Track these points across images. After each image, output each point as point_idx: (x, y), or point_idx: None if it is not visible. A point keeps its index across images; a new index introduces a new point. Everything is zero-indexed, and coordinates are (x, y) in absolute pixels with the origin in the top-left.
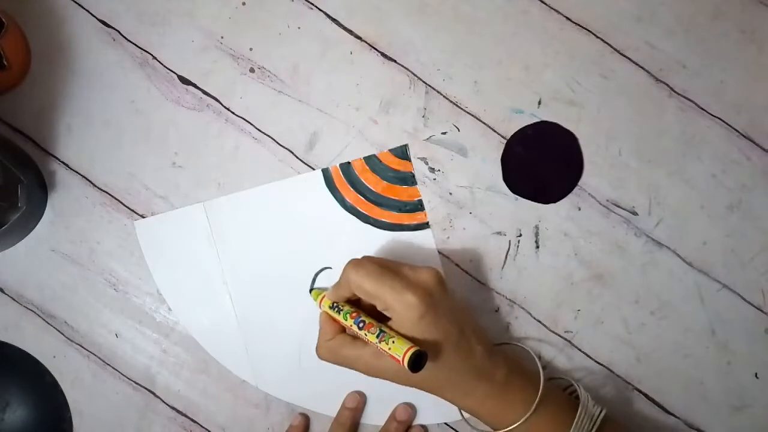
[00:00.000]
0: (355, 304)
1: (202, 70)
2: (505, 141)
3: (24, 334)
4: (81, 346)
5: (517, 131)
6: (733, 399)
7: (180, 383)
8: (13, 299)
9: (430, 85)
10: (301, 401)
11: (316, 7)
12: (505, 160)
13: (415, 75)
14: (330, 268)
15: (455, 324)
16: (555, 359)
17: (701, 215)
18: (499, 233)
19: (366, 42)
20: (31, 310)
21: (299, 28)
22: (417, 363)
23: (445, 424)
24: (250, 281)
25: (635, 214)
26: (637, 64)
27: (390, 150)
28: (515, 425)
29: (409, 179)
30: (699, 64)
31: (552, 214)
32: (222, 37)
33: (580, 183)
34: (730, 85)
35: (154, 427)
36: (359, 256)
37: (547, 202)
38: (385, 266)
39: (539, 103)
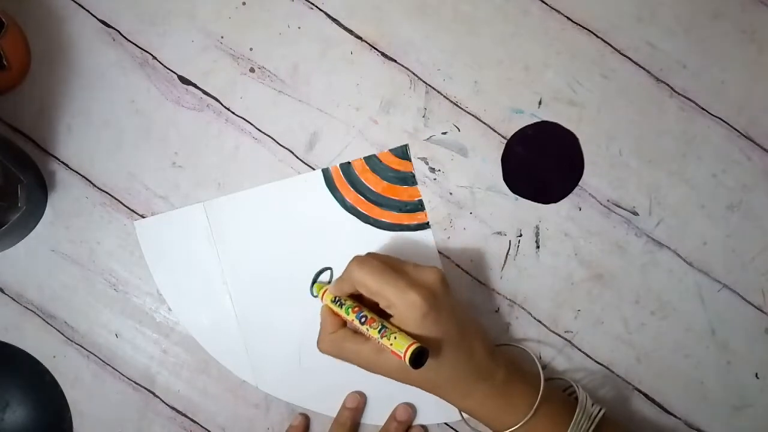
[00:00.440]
0: (357, 299)
1: (202, 70)
2: (505, 141)
3: (24, 334)
4: (81, 346)
5: (518, 131)
6: (733, 399)
7: (180, 383)
8: (13, 299)
9: (430, 85)
10: (301, 401)
11: (317, 7)
12: (505, 160)
13: (416, 75)
14: (330, 268)
15: (457, 324)
16: (555, 359)
17: (702, 215)
18: (499, 233)
19: (366, 42)
20: (31, 310)
21: (299, 28)
22: (418, 359)
23: (445, 424)
24: (250, 281)
25: (636, 214)
26: (637, 64)
27: (390, 150)
28: (515, 427)
29: (409, 179)
30: (699, 64)
31: (552, 214)
32: (222, 37)
33: (580, 183)
34: (731, 85)
35: (154, 427)
36: (359, 255)
37: (547, 202)
38: (389, 264)
39: (540, 103)
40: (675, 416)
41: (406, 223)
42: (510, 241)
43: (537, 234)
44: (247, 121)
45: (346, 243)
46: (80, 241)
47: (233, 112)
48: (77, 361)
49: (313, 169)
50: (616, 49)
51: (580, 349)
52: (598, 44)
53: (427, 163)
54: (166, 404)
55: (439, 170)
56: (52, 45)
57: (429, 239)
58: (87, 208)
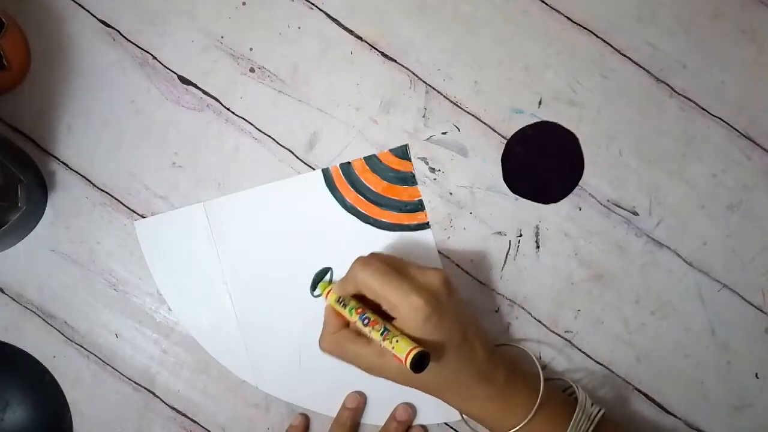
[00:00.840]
0: (361, 300)
1: (202, 70)
2: (505, 141)
3: (24, 334)
4: (81, 346)
5: (518, 131)
6: (733, 399)
7: (180, 383)
8: (13, 299)
9: (430, 85)
10: (301, 401)
11: (317, 7)
12: (505, 160)
13: (416, 75)
14: (330, 268)
15: (459, 327)
16: (555, 359)
17: (702, 215)
18: (499, 233)
19: (366, 42)
20: (31, 310)
21: (299, 28)
22: (420, 364)
23: (445, 424)
24: (250, 281)
25: (636, 214)
26: (637, 64)
27: (390, 150)
28: (515, 429)
29: (409, 179)
30: (699, 64)
31: (552, 214)
32: (222, 37)
33: (580, 183)
34: (731, 85)
35: (154, 427)
36: (362, 256)
37: (547, 202)
38: (393, 266)
39: (540, 103)
40: (675, 416)
41: (406, 223)
42: (510, 241)
43: (537, 234)
44: (247, 121)
45: (346, 243)
46: (80, 241)
47: (233, 112)
48: (77, 361)
49: (313, 169)
50: (616, 49)
51: (580, 349)
52: (598, 44)
53: (427, 163)
54: (166, 404)
55: (439, 170)
56: (52, 45)
57: (429, 239)
58: (87, 208)
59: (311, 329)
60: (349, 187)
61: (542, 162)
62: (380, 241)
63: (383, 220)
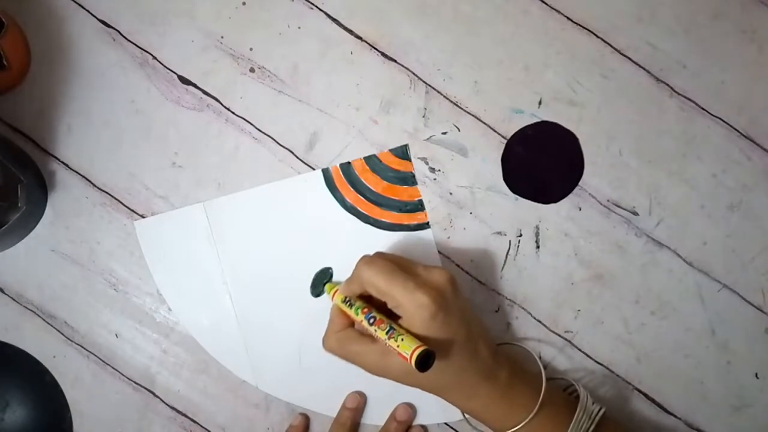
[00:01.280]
0: (367, 300)
1: (202, 70)
2: (505, 141)
3: (24, 334)
4: (81, 346)
5: (518, 131)
6: (733, 399)
7: (180, 383)
8: (13, 299)
9: (430, 85)
10: (301, 401)
11: (316, 7)
12: (505, 160)
13: (416, 75)
14: (330, 268)
15: (464, 325)
16: (555, 359)
17: (702, 215)
18: (499, 233)
19: (366, 42)
20: (31, 310)
21: (299, 28)
22: (425, 362)
23: (445, 424)
24: (250, 281)
25: (636, 214)
26: (637, 64)
27: (390, 150)
28: (517, 428)
29: (409, 179)
30: (699, 64)
31: (552, 214)
32: (222, 37)
33: (580, 183)
34: (731, 85)
35: (154, 427)
36: (367, 255)
37: (547, 202)
38: (398, 264)
39: (540, 103)
40: (675, 416)
41: (406, 223)
42: (510, 241)
43: (537, 234)
44: (247, 121)
45: (346, 243)
46: (80, 241)
47: (233, 112)
48: (77, 361)
49: (313, 169)
50: (616, 49)
51: (580, 349)
52: (598, 44)
53: (427, 163)
54: (166, 404)
55: (439, 170)
56: (52, 45)
57: (429, 239)
58: (87, 208)
59: (311, 329)
60: (349, 187)
61: (542, 162)
62: (380, 241)
63: (383, 220)
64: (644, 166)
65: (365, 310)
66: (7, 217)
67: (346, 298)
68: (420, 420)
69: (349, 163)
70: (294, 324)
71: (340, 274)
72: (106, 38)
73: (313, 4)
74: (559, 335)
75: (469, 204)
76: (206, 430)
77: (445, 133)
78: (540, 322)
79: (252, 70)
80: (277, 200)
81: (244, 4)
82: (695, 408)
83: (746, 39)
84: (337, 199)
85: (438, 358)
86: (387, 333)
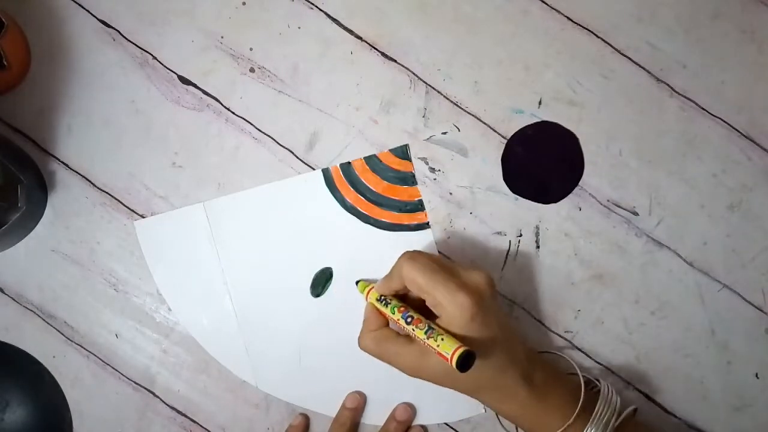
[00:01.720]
0: (402, 299)
1: (202, 70)
2: (505, 141)
3: (24, 334)
4: (81, 346)
5: (518, 131)
6: (733, 399)
7: (180, 383)
8: (13, 299)
9: (430, 85)
10: (301, 401)
11: (316, 7)
12: (505, 160)
13: (416, 75)
14: (330, 268)
15: (502, 327)
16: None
17: (702, 215)
18: (499, 233)
19: (366, 42)
20: (31, 310)
21: (299, 28)
22: (466, 363)
23: (445, 424)
24: (250, 281)
25: (636, 214)
26: (637, 64)
27: (390, 150)
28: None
29: (409, 179)
30: (699, 64)
31: (552, 214)
32: (222, 37)
33: (580, 183)
34: (731, 85)
35: (154, 427)
36: (408, 251)
37: (547, 202)
38: (439, 263)
39: (540, 103)
40: (675, 416)
41: (406, 223)
42: (510, 241)
43: (537, 234)
44: (247, 121)
45: (346, 243)
46: (80, 241)
47: (233, 112)
48: (77, 361)
49: (313, 169)
50: (616, 49)
51: (580, 349)
52: (598, 44)
53: (427, 163)
54: (166, 404)
55: (439, 170)
56: (52, 45)
57: (429, 239)
58: (87, 208)
59: (311, 329)
60: (349, 187)
61: (542, 162)
62: (380, 241)
63: (383, 220)
64: (644, 166)
65: (402, 309)
66: (7, 217)
67: (381, 296)
68: (420, 420)
69: (349, 163)
70: (294, 324)
71: (340, 274)
72: (106, 38)
73: (313, 4)
74: (559, 335)
75: (469, 204)
76: (206, 430)
77: (445, 133)
78: (540, 322)
79: (252, 70)
80: (277, 200)
81: (244, 4)
82: (695, 408)
83: (746, 39)
84: (337, 199)
85: (478, 359)
86: (426, 333)
